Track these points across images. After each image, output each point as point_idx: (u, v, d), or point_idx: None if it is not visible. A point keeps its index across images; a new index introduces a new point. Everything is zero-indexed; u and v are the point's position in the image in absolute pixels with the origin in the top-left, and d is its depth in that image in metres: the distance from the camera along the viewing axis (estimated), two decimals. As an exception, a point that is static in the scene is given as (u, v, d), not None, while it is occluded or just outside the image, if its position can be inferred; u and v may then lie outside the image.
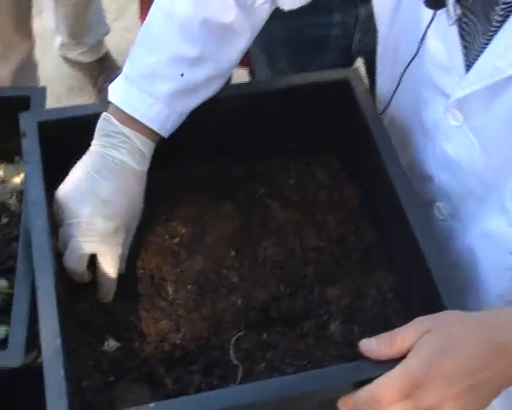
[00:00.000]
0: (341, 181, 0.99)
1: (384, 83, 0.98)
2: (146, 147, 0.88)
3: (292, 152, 1.01)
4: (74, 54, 2.15)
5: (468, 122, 0.83)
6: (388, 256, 0.91)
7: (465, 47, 0.81)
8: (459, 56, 0.81)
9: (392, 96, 0.93)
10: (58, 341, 0.73)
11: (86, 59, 2.16)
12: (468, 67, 0.81)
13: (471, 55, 0.81)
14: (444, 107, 0.85)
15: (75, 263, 0.85)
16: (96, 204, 0.85)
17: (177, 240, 0.93)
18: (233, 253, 0.91)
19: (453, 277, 0.82)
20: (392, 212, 0.88)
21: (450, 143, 0.86)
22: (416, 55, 0.86)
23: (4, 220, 0.98)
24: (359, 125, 0.93)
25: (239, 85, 0.99)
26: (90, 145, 0.88)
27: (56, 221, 0.87)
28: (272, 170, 1.00)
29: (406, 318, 0.77)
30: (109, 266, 0.86)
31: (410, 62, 0.88)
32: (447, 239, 0.91)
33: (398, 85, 0.92)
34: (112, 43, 2.22)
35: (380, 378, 0.70)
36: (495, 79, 0.78)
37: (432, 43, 0.84)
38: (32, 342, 0.79)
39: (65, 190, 0.86)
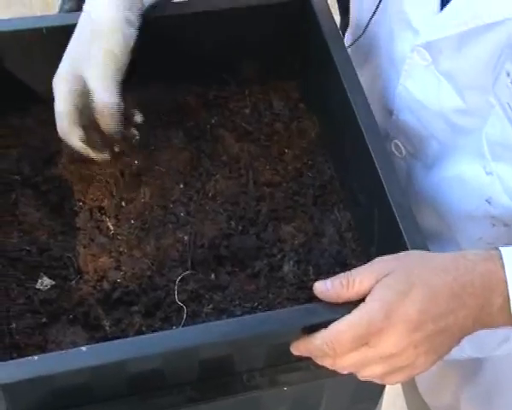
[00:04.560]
0: (300, 112, 0.94)
1: (360, 11, 0.92)
2: None
3: (248, 80, 0.95)
4: None
5: (438, 63, 0.78)
6: (347, 193, 0.86)
7: None
8: None
9: (367, 26, 0.88)
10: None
11: None
12: (444, 1, 0.75)
13: None
14: (411, 44, 0.80)
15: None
16: None
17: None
18: (181, 186, 0.86)
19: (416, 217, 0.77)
20: (353, 146, 0.83)
21: (414, 82, 0.82)
22: None
23: None
24: (320, 52, 0.87)
25: (189, 3, 0.90)
26: None
27: None
28: (226, 99, 0.94)
29: (365, 259, 0.73)
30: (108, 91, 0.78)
31: None
32: (405, 178, 0.88)
33: (373, 15, 0.86)
34: None
35: (336, 323, 0.65)
36: (471, 26, 0.72)
37: None
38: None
39: None
